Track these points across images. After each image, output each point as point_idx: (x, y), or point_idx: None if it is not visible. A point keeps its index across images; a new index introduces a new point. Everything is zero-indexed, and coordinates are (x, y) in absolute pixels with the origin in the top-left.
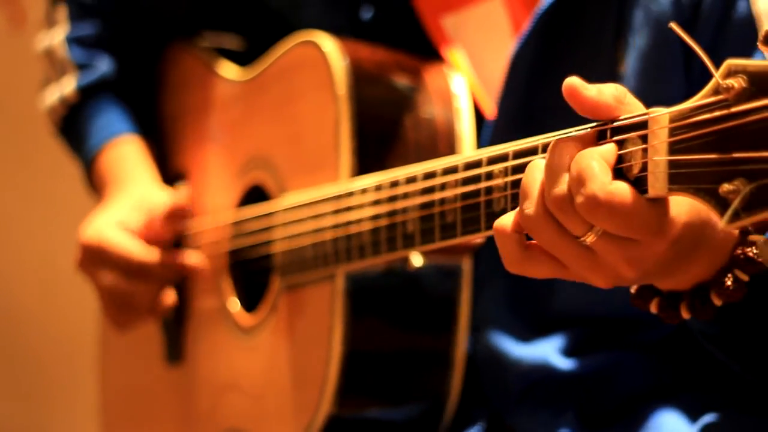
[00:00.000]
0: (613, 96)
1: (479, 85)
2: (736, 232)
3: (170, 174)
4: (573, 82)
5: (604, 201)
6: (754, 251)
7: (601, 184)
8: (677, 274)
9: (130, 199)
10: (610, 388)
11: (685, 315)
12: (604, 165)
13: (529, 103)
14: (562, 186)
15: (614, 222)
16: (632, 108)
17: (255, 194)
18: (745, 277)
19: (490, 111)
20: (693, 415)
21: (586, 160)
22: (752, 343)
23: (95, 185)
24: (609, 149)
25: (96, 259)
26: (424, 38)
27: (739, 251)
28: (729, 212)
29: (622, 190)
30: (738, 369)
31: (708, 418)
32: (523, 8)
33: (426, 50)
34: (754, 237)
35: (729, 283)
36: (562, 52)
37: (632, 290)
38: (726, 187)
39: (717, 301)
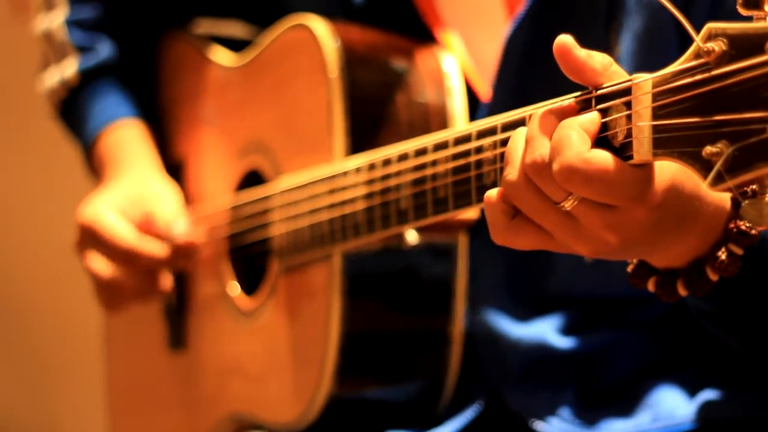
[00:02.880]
0: (601, 63)
1: (474, 68)
2: (728, 206)
3: (169, 161)
4: (566, 40)
5: (579, 169)
6: (746, 223)
7: (577, 152)
8: (666, 246)
9: (131, 185)
10: (609, 367)
11: (683, 292)
12: (582, 134)
13: (524, 85)
14: (541, 151)
15: (591, 189)
16: (617, 77)
17: (252, 179)
18: (739, 251)
19: (485, 93)
20: (691, 392)
21: (565, 130)
22: (749, 319)
23: (95, 168)
24: (590, 118)
25: (89, 240)
26: (417, 22)
27: (732, 225)
28: (712, 174)
29: (600, 156)
30: (736, 346)
31: (706, 394)
32: None
33: (420, 34)
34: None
35: (723, 257)
36: (555, 35)
37: (629, 269)
38: (709, 149)
39: (713, 276)
